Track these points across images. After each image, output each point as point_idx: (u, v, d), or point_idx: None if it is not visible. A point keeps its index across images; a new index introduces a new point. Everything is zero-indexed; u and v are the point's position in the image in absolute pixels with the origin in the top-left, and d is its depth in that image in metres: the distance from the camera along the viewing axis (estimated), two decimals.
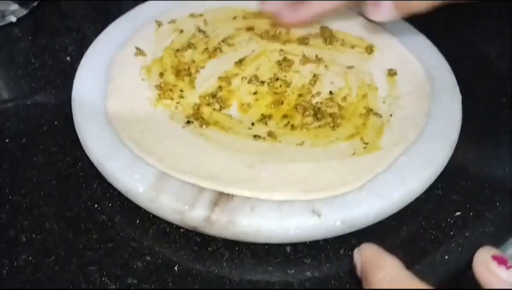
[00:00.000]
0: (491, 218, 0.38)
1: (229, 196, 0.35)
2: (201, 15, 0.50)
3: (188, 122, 0.40)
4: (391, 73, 0.45)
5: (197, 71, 0.45)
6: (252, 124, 0.40)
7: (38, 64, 0.50)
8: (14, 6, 0.54)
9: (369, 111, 0.41)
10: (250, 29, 0.49)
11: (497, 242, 0.39)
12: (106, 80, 0.43)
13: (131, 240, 0.36)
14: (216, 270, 0.35)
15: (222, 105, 0.41)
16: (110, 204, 0.38)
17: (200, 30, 0.49)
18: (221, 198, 0.35)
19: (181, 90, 0.42)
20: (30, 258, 0.35)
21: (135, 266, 0.35)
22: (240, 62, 0.45)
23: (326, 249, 0.36)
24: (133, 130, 0.38)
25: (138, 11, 0.51)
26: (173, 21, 0.49)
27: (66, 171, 0.40)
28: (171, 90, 0.42)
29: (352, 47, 0.48)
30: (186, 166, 0.36)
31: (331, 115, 0.41)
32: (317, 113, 0.41)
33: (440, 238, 0.37)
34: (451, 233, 0.37)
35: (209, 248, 0.36)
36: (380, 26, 0.49)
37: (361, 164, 0.37)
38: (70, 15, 0.57)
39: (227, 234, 0.35)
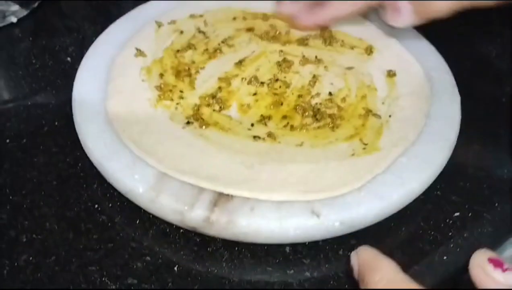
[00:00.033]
0: (490, 219, 0.38)
1: (228, 197, 0.35)
2: (201, 16, 0.50)
3: (188, 123, 0.40)
4: (391, 74, 0.45)
5: (197, 72, 0.45)
6: (252, 125, 0.40)
7: (38, 65, 0.50)
8: (15, 7, 0.54)
9: (368, 112, 0.41)
10: (250, 30, 0.49)
11: (496, 243, 0.39)
12: (107, 81, 0.43)
13: (131, 241, 0.36)
14: (216, 271, 0.35)
15: (222, 106, 0.42)
16: (110, 205, 0.38)
17: (200, 31, 0.49)
18: (220, 198, 0.35)
19: (181, 91, 0.43)
20: (31, 258, 0.35)
21: (135, 266, 0.35)
22: (240, 63, 0.46)
23: (325, 249, 0.36)
24: (133, 130, 0.39)
25: (139, 11, 0.51)
26: (173, 22, 0.49)
27: (66, 172, 0.40)
28: (171, 91, 0.42)
29: (352, 48, 0.48)
30: (186, 166, 0.36)
31: (330, 116, 0.41)
32: (317, 114, 0.41)
33: (439, 238, 0.37)
34: (450, 233, 0.37)
35: (208, 249, 0.36)
36: (379, 27, 0.49)
37: (360, 165, 0.37)
38: (71, 15, 0.57)
39: (226, 235, 0.35)
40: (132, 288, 0.34)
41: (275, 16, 0.50)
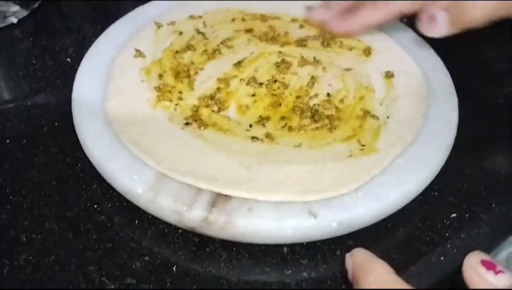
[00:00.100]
0: (487, 220, 0.39)
1: (227, 197, 0.35)
2: (200, 17, 0.51)
3: (187, 123, 0.40)
4: (388, 75, 0.45)
5: (196, 72, 0.45)
6: (250, 125, 0.41)
7: (38, 65, 0.50)
8: (15, 7, 0.55)
9: (366, 113, 0.42)
10: (249, 31, 0.49)
11: (493, 243, 0.39)
12: (106, 81, 0.43)
13: (130, 241, 0.36)
14: (214, 271, 0.35)
15: (221, 107, 0.42)
16: (109, 205, 0.38)
17: (199, 32, 0.49)
18: (219, 199, 0.35)
19: (180, 92, 0.43)
20: (30, 258, 0.35)
21: (134, 266, 0.35)
22: (238, 64, 0.46)
23: (322, 250, 0.36)
24: (133, 131, 0.39)
25: (138, 12, 0.51)
26: (172, 23, 0.49)
27: (66, 172, 0.40)
28: (170, 91, 0.43)
29: (350, 49, 0.48)
30: (185, 167, 0.36)
31: (328, 117, 0.41)
32: (315, 115, 0.41)
33: (436, 239, 0.37)
34: (447, 234, 0.37)
35: (207, 249, 0.36)
36: (378, 28, 0.49)
37: (357, 166, 0.37)
38: (71, 16, 0.57)
39: (224, 235, 0.35)
40: (130, 287, 0.34)
41: (273, 18, 0.51)
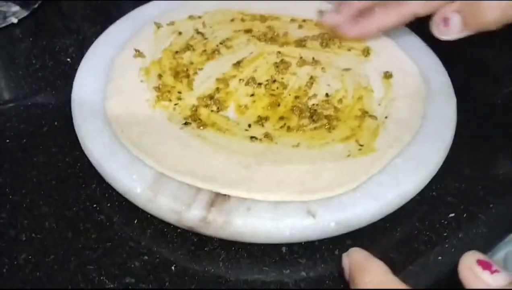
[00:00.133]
0: (485, 220, 0.39)
1: (225, 197, 0.35)
2: (199, 17, 0.51)
3: (186, 123, 0.40)
4: (387, 75, 0.45)
5: (195, 73, 0.45)
6: (249, 125, 0.41)
7: (38, 65, 0.50)
8: (15, 8, 0.55)
9: (365, 113, 0.42)
10: (248, 31, 0.49)
11: (491, 243, 0.39)
12: (106, 81, 0.43)
13: (129, 240, 0.36)
14: (213, 270, 0.35)
15: (220, 107, 0.42)
16: (108, 204, 0.39)
17: (198, 32, 0.49)
18: (217, 198, 0.35)
19: (179, 92, 0.43)
20: (30, 257, 0.35)
21: (133, 266, 0.35)
22: (238, 64, 0.46)
23: (321, 249, 0.36)
24: (132, 131, 0.39)
25: (138, 12, 0.52)
26: (172, 23, 0.50)
27: (65, 171, 0.41)
28: (169, 91, 0.43)
29: (349, 49, 0.48)
30: (184, 167, 0.37)
31: (327, 117, 0.41)
32: (313, 115, 0.41)
33: (434, 239, 0.37)
34: (445, 234, 0.38)
35: (205, 248, 0.36)
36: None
37: (356, 166, 0.37)
38: (71, 16, 0.57)
39: (223, 234, 0.35)
40: (130, 287, 0.34)
41: (272, 18, 0.51)
